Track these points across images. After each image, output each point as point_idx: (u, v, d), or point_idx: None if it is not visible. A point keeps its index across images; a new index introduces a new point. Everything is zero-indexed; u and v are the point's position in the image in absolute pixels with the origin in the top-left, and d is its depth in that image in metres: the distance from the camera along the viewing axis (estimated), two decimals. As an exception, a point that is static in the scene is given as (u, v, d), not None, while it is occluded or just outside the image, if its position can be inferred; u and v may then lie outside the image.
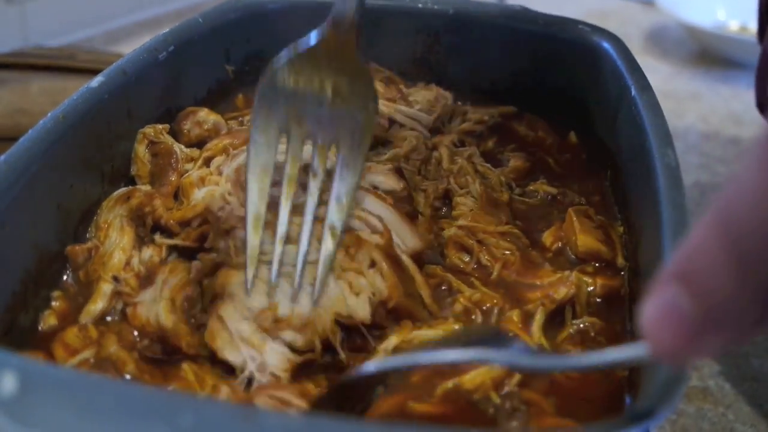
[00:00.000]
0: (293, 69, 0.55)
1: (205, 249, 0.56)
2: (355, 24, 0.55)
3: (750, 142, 0.26)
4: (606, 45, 0.72)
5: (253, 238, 0.53)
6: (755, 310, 0.26)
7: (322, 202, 0.55)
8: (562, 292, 0.54)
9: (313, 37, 0.54)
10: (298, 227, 0.54)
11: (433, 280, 0.56)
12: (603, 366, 0.36)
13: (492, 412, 0.45)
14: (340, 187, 0.54)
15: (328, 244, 0.53)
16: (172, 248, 0.58)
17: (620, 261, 0.59)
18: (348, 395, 0.44)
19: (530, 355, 0.36)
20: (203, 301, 0.52)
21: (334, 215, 0.54)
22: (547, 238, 0.62)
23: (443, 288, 0.56)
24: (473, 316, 0.54)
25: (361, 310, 0.51)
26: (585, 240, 0.59)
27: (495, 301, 0.55)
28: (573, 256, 0.60)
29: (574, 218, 0.61)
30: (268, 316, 0.50)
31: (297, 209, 0.55)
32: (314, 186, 0.55)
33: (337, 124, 0.55)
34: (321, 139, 0.55)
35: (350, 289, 0.52)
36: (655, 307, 0.28)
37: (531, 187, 0.69)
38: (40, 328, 0.53)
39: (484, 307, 0.55)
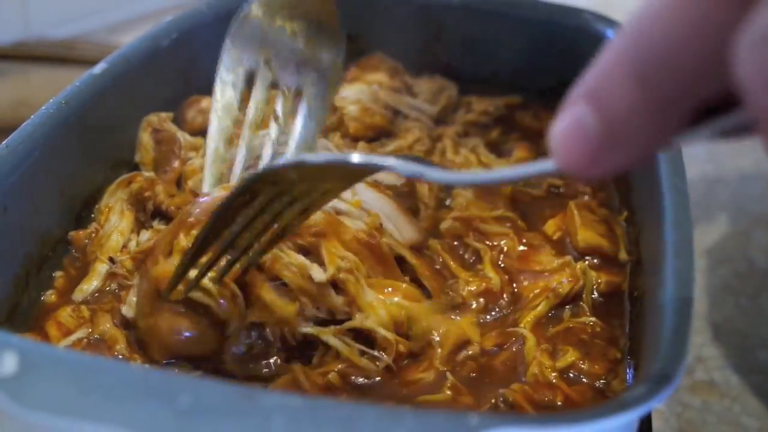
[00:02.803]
0: (268, 10, 0.56)
1: None
2: None
3: None
4: (611, 33, 0.71)
5: (212, 173, 0.55)
6: (654, 126, 0.27)
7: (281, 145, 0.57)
8: (566, 287, 0.54)
9: None
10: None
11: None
12: (514, 179, 0.36)
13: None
14: (302, 134, 0.56)
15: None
16: None
17: (623, 256, 0.58)
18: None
19: (439, 171, 0.36)
20: None
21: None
22: (550, 227, 0.61)
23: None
24: (480, 300, 0.54)
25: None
26: (585, 234, 0.58)
27: (494, 281, 0.55)
28: (575, 252, 0.59)
29: (575, 212, 0.60)
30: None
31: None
32: (275, 130, 0.56)
33: (306, 72, 0.57)
34: (288, 83, 0.57)
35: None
36: (563, 124, 0.29)
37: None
38: (42, 300, 0.53)
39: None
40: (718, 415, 0.66)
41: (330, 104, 0.57)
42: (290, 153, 0.56)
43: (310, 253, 0.50)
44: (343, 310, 0.49)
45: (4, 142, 0.51)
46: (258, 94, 0.57)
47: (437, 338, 0.50)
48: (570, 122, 0.29)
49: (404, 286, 0.51)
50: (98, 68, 0.61)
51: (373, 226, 0.53)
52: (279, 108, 0.57)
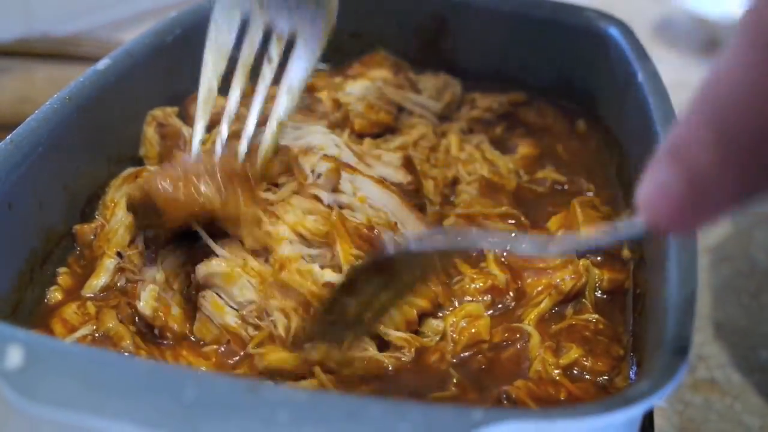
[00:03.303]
0: None
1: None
2: None
3: (736, 25, 0.28)
4: (613, 31, 0.72)
5: (204, 111, 0.56)
6: (736, 183, 0.29)
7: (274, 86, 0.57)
8: (569, 283, 0.54)
9: None
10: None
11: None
12: (607, 243, 0.36)
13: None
14: (292, 77, 0.57)
15: (271, 128, 0.56)
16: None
17: (626, 253, 0.58)
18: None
19: (529, 243, 0.39)
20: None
21: (282, 105, 0.56)
22: (553, 224, 0.61)
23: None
24: (486, 296, 0.54)
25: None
26: (588, 232, 0.59)
27: (499, 278, 0.55)
28: None
29: (578, 209, 0.60)
30: (254, 309, 0.50)
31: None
32: (268, 71, 0.57)
33: (299, 16, 0.57)
34: (281, 27, 0.57)
35: None
36: (649, 184, 0.31)
37: (539, 175, 0.68)
38: (46, 301, 0.53)
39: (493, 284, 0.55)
40: (719, 413, 0.66)
41: (320, 50, 0.57)
42: (279, 102, 0.57)
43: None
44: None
45: (8, 137, 0.51)
46: (252, 36, 0.57)
47: (454, 335, 0.50)
48: (656, 183, 0.30)
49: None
50: (102, 64, 0.61)
51: (387, 226, 0.54)
52: (272, 51, 0.57)
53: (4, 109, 0.91)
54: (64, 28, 1.13)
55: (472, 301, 0.54)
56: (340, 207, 0.54)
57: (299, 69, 0.57)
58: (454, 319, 0.51)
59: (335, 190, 0.55)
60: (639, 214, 0.32)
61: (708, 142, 0.28)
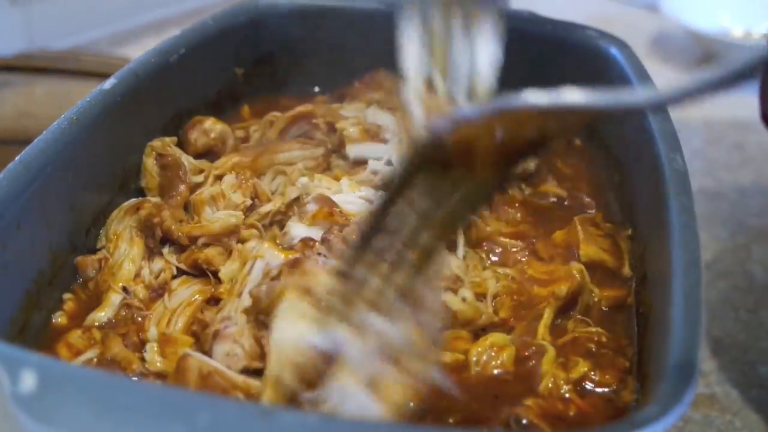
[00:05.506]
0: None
1: (206, 273, 0.56)
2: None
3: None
4: (613, 50, 0.72)
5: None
6: None
7: None
8: (564, 288, 0.54)
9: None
10: None
11: None
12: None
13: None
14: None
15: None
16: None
17: (626, 270, 0.59)
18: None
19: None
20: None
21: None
22: (558, 236, 0.62)
23: None
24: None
25: None
26: (587, 250, 0.59)
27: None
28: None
29: (579, 227, 0.61)
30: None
31: None
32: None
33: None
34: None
35: None
36: None
37: (541, 189, 0.69)
38: (51, 322, 0.53)
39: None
40: (719, 429, 0.66)
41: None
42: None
43: None
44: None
45: (17, 158, 0.51)
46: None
47: (478, 368, 0.50)
48: None
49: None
50: (108, 84, 0.61)
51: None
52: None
53: (5, 123, 0.91)
54: (64, 42, 1.13)
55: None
56: None
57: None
58: (479, 350, 0.51)
59: None
60: None
61: None
